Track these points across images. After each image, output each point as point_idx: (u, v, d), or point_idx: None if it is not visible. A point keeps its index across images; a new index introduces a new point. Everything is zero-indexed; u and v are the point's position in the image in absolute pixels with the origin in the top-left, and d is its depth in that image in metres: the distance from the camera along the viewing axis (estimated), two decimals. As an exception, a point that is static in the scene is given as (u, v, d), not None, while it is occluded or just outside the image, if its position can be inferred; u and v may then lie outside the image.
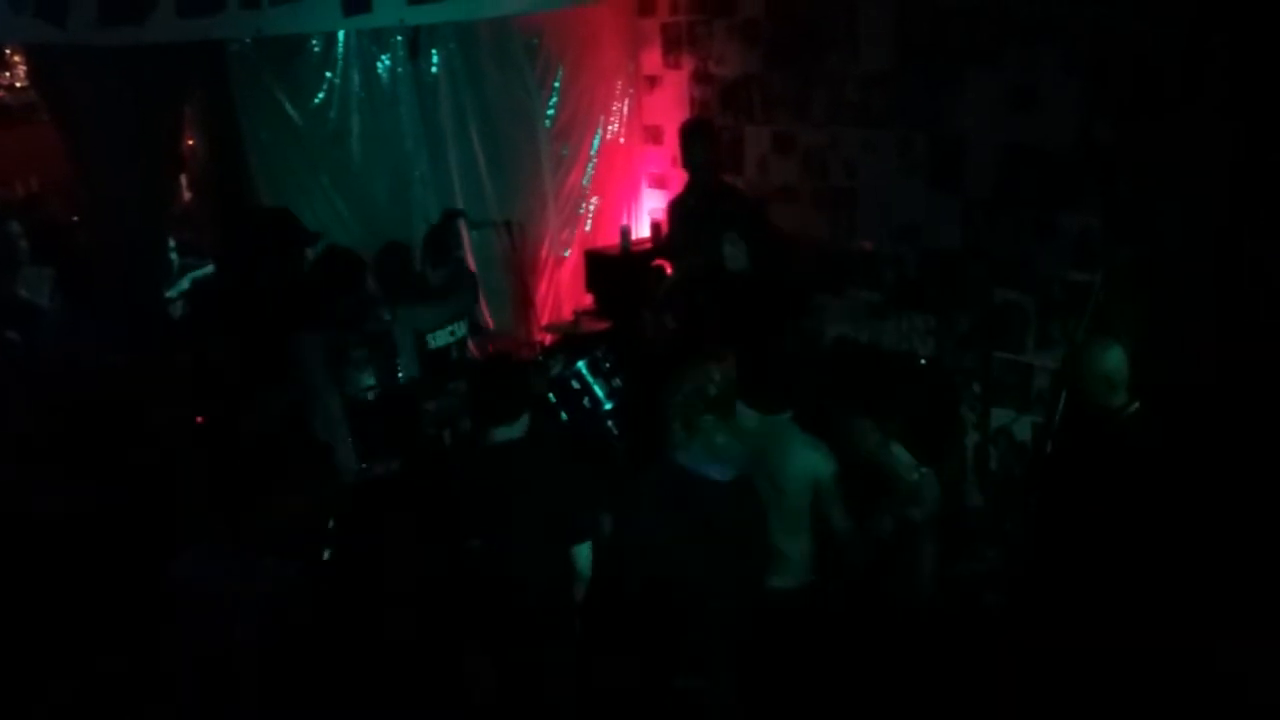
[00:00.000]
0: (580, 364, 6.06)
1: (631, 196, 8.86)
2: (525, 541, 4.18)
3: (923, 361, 6.45)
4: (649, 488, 4.21)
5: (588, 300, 8.61)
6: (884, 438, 4.69)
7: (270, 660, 3.66)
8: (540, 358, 7.01)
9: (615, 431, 6.09)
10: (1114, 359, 4.54)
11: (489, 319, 7.91)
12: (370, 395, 5.74)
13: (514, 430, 4.28)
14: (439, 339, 6.40)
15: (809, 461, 4.41)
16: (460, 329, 6.61)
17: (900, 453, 4.63)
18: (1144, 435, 4.49)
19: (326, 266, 5.95)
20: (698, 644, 4.10)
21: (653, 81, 8.54)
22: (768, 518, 4.20)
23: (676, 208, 7.31)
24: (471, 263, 7.50)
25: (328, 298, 5.78)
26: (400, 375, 5.93)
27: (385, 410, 5.73)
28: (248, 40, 6.65)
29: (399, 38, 7.27)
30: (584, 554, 4.26)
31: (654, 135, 8.65)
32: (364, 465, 5.65)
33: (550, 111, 8.20)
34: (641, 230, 8.71)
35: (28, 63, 6.90)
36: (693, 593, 4.03)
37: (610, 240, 8.66)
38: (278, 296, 5.78)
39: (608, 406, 6.09)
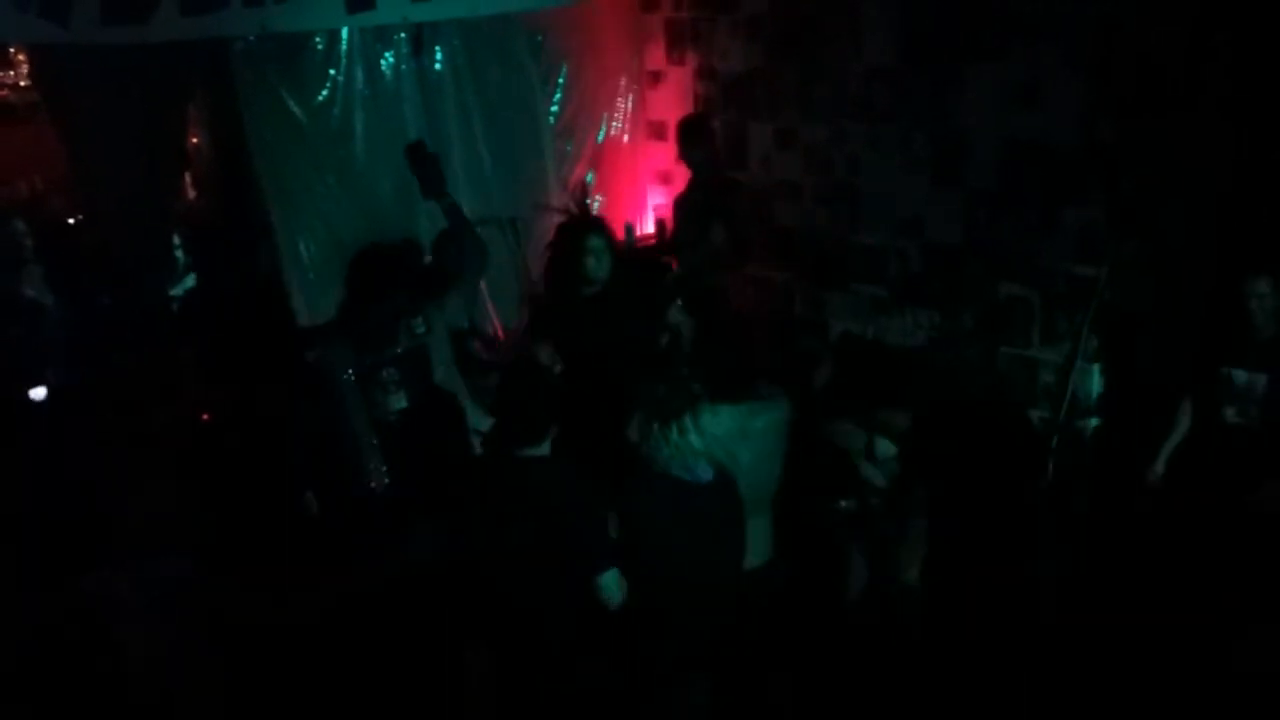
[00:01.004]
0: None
1: (636, 193, 8.85)
2: (539, 567, 3.97)
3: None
4: (644, 501, 4.14)
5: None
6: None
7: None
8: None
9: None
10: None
11: (496, 318, 7.91)
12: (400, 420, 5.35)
13: (540, 449, 4.05)
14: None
15: (773, 412, 4.50)
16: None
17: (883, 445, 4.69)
18: None
19: (357, 269, 5.36)
20: (687, 639, 4.10)
21: (657, 77, 8.54)
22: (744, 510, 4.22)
23: (681, 204, 7.32)
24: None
25: (356, 307, 5.38)
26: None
27: (421, 428, 5.32)
28: (251, 38, 6.64)
29: (403, 35, 7.26)
30: (610, 583, 3.98)
31: (658, 131, 8.64)
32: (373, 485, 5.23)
33: (554, 108, 8.18)
34: (646, 227, 8.70)
35: (31, 62, 6.91)
36: (688, 591, 4.04)
37: (614, 237, 8.65)
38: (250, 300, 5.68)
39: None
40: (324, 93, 7.07)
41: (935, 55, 6.31)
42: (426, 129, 7.48)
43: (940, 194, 6.45)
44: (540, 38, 7.96)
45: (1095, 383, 5.82)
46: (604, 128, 8.54)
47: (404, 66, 7.34)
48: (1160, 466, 5.16)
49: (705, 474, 4.02)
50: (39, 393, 5.62)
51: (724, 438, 4.16)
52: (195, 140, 7.27)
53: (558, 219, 6.15)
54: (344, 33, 7.02)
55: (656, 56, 8.47)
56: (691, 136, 7.10)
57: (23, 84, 7.65)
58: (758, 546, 4.42)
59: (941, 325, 6.47)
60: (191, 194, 7.90)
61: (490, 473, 4.25)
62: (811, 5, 7.04)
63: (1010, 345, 6.18)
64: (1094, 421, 5.77)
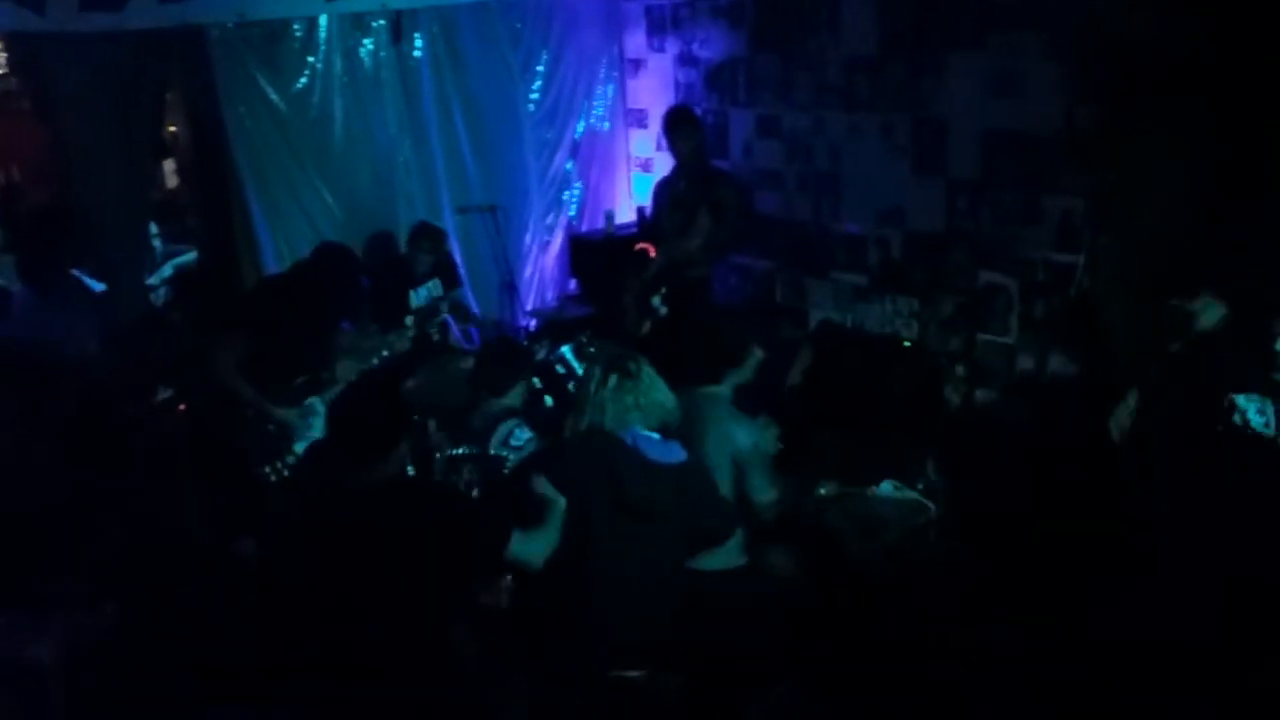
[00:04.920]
0: (564, 349, 6.05)
1: (616, 181, 8.85)
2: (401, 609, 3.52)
3: (907, 344, 6.47)
4: (583, 459, 3.96)
5: (572, 285, 8.62)
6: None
7: None
8: (526, 343, 6.98)
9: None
10: None
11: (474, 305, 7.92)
12: None
13: (386, 468, 3.61)
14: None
15: (728, 434, 4.34)
16: (444, 307, 6.73)
17: None
18: None
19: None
20: (621, 629, 3.87)
21: (637, 65, 8.53)
22: (717, 503, 4.07)
23: (664, 190, 7.31)
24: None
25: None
26: None
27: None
28: (229, 25, 6.62)
29: (381, 22, 7.25)
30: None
31: (638, 119, 8.65)
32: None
33: (534, 96, 8.17)
34: (626, 215, 8.70)
35: (7, 50, 6.84)
36: (621, 574, 3.85)
37: (595, 225, 8.67)
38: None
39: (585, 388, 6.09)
40: (303, 80, 7.05)
41: (915, 44, 6.32)
42: (406, 116, 7.48)
43: (920, 182, 6.46)
44: (520, 25, 7.95)
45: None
46: (584, 115, 8.53)
47: (383, 54, 7.32)
48: None
49: (669, 453, 3.95)
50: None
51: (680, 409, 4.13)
52: (173, 128, 7.23)
53: None
54: (322, 20, 7.01)
55: (637, 43, 8.46)
56: (679, 128, 7.08)
57: (-1, 72, 7.57)
58: (726, 549, 4.22)
59: (921, 313, 6.51)
60: (170, 182, 7.87)
61: (328, 510, 3.67)
62: (792, -8, 7.04)
63: (988, 332, 6.21)
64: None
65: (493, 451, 4.71)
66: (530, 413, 5.13)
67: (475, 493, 4.48)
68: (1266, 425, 4.08)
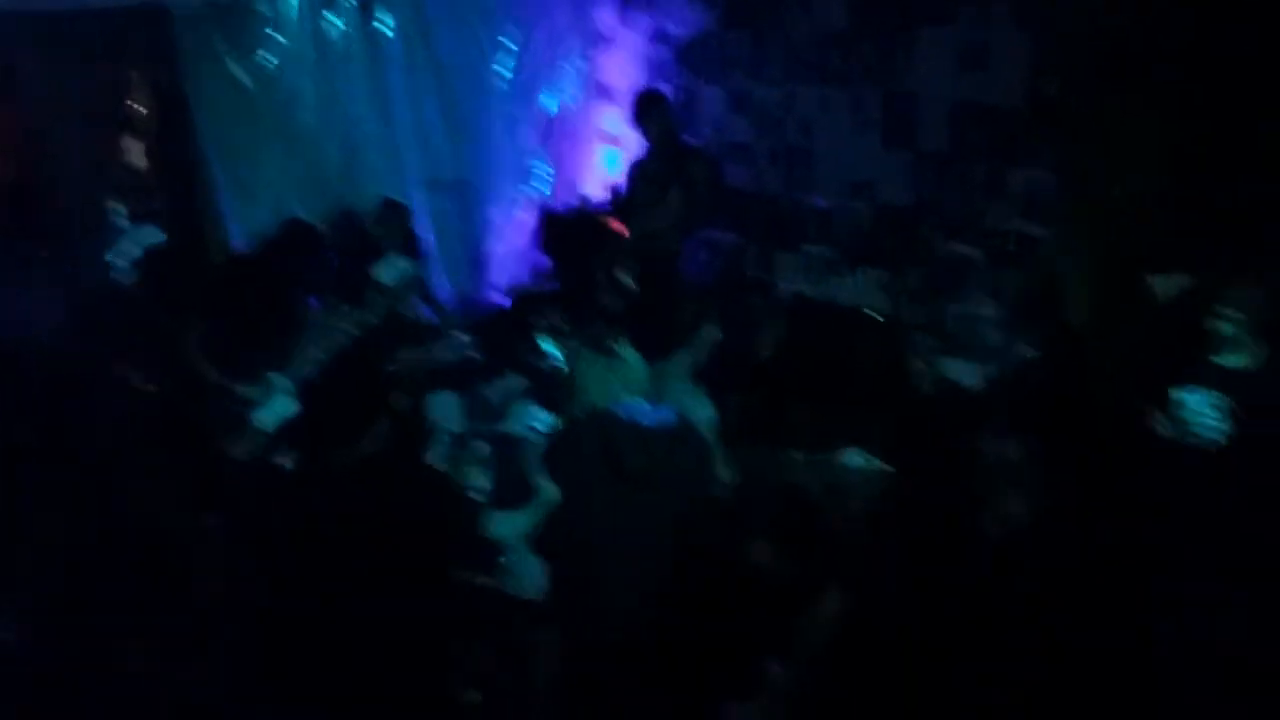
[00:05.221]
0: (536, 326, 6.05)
1: (587, 157, 8.82)
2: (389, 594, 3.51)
3: (877, 317, 6.49)
4: (577, 439, 4.02)
5: (543, 261, 8.60)
6: None
7: None
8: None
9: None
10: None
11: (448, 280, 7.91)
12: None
13: (362, 447, 3.60)
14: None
15: (684, 407, 4.35)
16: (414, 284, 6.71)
17: None
18: None
19: None
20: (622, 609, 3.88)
21: (608, 41, 8.49)
22: (711, 465, 4.09)
23: (635, 166, 7.31)
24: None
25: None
26: None
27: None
28: (195, 3, 6.57)
29: (350, -2, 7.21)
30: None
31: (609, 95, 8.62)
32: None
33: (505, 72, 8.13)
34: (597, 191, 8.68)
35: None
36: (622, 549, 3.87)
37: (566, 201, 8.64)
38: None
39: (565, 370, 6.08)
40: (270, 59, 6.99)
41: (885, 18, 6.33)
42: (375, 94, 7.44)
43: (890, 155, 6.48)
44: (490, 1, 7.89)
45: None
46: (555, 91, 8.49)
47: (352, 31, 7.26)
48: None
49: (657, 417, 3.95)
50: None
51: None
52: (138, 107, 7.17)
53: None
54: (290, -3, 6.95)
55: (609, 20, 8.42)
56: (648, 112, 7.07)
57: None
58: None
59: (891, 285, 6.53)
60: (135, 162, 7.80)
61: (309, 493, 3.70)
62: (762, -32, 7.04)
63: (958, 304, 6.24)
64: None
65: (512, 431, 4.65)
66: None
67: (487, 470, 4.39)
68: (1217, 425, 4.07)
